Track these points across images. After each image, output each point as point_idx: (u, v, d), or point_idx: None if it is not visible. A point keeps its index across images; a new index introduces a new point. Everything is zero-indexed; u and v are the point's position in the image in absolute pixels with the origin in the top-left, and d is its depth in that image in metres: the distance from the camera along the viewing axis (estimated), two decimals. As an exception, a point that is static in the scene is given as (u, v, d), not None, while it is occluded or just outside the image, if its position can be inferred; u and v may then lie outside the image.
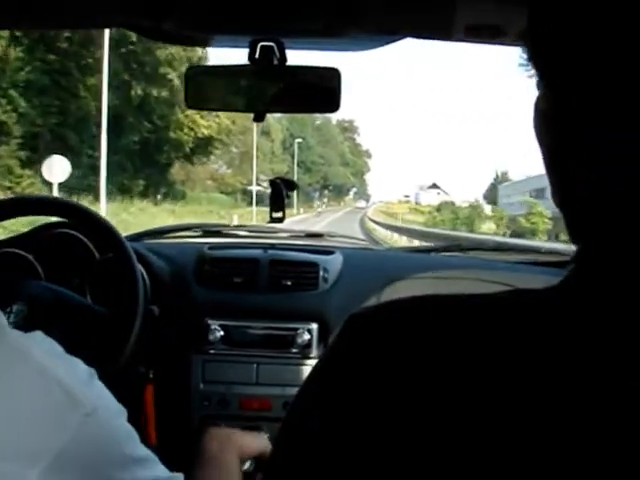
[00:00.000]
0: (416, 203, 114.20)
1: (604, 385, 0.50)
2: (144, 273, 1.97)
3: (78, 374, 0.79)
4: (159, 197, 39.75)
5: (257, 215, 43.58)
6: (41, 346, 0.78)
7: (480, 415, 0.51)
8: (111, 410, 0.81)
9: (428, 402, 0.53)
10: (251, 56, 1.53)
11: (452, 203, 77.98)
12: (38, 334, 0.79)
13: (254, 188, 50.85)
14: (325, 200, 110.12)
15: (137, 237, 2.53)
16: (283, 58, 1.54)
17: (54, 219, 2.01)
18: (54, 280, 1.88)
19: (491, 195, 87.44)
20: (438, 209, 70.77)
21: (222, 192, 60.11)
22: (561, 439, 0.49)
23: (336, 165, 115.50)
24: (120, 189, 32.02)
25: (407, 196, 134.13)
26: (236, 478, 1.23)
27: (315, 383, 0.62)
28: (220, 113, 38.20)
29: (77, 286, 1.90)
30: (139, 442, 0.83)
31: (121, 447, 0.80)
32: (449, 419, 0.52)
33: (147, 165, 38.59)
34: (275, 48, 1.52)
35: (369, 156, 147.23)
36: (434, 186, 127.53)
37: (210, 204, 45.98)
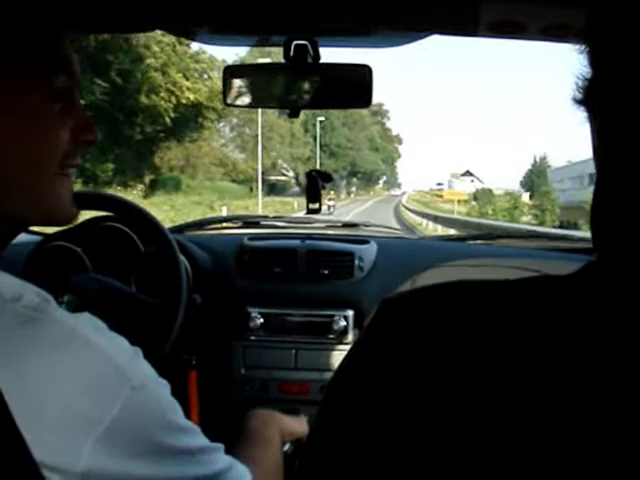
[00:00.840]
0: (449, 189, 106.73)
1: (622, 373, 0.51)
2: (187, 264, 2.02)
3: (124, 350, 0.82)
4: (141, 187, 31.00)
5: (265, 207, 37.62)
6: (88, 324, 0.81)
7: (509, 398, 0.53)
8: (156, 384, 0.84)
9: (456, 385, 0.55)
10: (286, 54, 1.58)
11: (489, 191, 72.87)
12: (85, 314, 0.82)
13: (259, 174, 44.57)
14: (353, 189, 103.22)
15: (180, 229, 2.59)
16: (317, 56, 1.58)
17: (101, 213, 2.06)
18: (101, 272, 1.92)
19: (529, 182, 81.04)
20: (475, 197, 67.61)
21: (234, 180, 52.13)
22: (588, 423, 0.51)
23: (364, 150, 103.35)
24: (83, 174, 25.63)
25: (440, 184, 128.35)
26: (278, 453, 1.29)
27: (349, 366, 0.65)
28: (214, 74, 31.43)
29: (123, 277, 1.94)
30: (182, 413, 0.86)
31: (167, 416, 0.83)
32: (477, 402, 0.54)
33: (114, 142, 28.74)
34: (309, 46, 1.56)
35: (400, 142, 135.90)
36: (468, 173, 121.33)
37: (215, 194, 37.15)
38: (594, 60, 0.55)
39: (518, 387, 0.53)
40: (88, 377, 0.76)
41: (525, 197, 64.18)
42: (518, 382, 0.53)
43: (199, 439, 0.88)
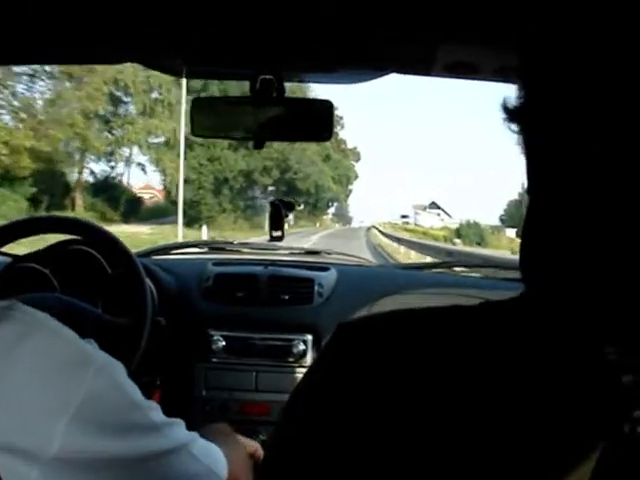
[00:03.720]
0: (415, 225, 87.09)
1: (544, 393, 0.54)
2: (152, 287, 2.03)
3: (84, 339, 0.83)
4: None
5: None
6: (52, 318, 0.83)
7: (454, 424, 0.54)
8: (116, 365, 0.85)
9: (403, 406, 0.56)
10: (252, 88, 1.61)
11: (476, 225, 61.55)
12: (44, 315, 0.83)
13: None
14: (290, 217, 46.26)
15: (146, 253, 2.60)
16: (281, 90, 1.62)
17: (69, 236, 2.07)
18: (69, 293, 1.93)
19: (514, 217, 67.88)
20: (459, 234, 56.00)
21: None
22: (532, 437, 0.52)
23: (312, 164, 61.75)
24: None
25: (405, 216, 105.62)
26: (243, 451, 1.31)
27: (305, 388, 0.65)
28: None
29: (91, 299, 1.94)
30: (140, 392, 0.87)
31: (130, 394, 0.83)
32: (425, 424, 0.55)
33: None
34: (274, 81, 1.60)
35: (357, 158, 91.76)
36: (434, 206, 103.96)
37: None
38: (526, 83, 0.58)
39: (466, 409, 0.55)
40: (56, 361, 0.77)
41: (510, 234, 58.84)
42: (466, 404, 0.55)
43: (160, 414, 0.88)
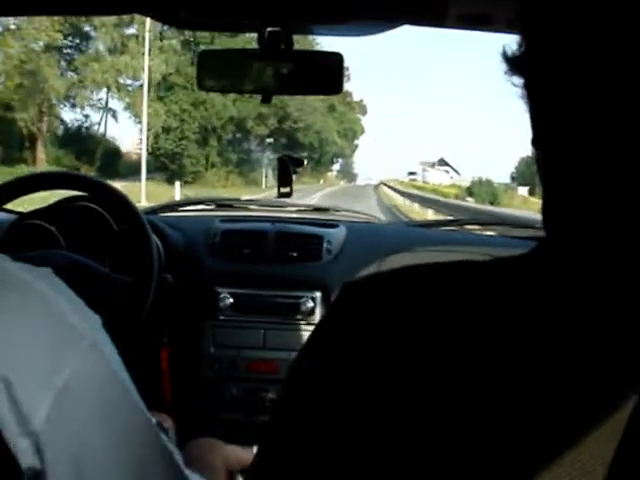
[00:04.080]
0: (423, 182, 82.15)
1: (575, 356, 0.52)
2: (159, 244, 2.02)
3: (80, 310, 0.81)
4: None
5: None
6: (46, 279, 0.80)
7: (462, 380, 0.53)
8: (110, 347, 0.83)
9: (412, 365, 0.56)
10: (260, 41, 1.57)
11: (488, 183, 56.67)
12: (44, 270, 0.81)
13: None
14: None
15: (153, 210, 2.58)
16: (289, 43, 1.58)
17: (75, 193, 2.05)
18: (75, 250, 1.92)
19: (526, 175, 63.97)
20: (471, 192, 52.47)
21: None
22: (541, 406, 0.51)
23: (314, 112, 56.40)
24: None
25: (413, 173, 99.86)
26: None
27: (310, 348, 0.65)
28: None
29: (97, 256, 1.94)
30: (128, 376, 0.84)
31: (122, 380, 0.82)
32: (429, 383, 0.54)
33: None
34: (283, 33, 1.56)
35: (363, 111, 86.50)
36: (442, 162, 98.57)
37: None
38: (527, 30, 0.56)
39: (475, 365, 0.54)
40: (47, 331, 0.74)
41: (523, 192, 57.13)
42: (475, 360, 0.54)
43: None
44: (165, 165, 40.94)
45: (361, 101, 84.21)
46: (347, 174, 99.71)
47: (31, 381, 0.72)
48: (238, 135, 50.79)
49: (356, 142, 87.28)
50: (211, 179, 42.97)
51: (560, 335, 0.53)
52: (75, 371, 0.74)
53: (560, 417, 0.51)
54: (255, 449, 1.30)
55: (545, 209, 0.58)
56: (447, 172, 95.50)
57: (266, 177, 51.27)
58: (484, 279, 0.60)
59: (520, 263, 0.60)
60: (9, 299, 0.74)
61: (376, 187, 60.48)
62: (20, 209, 2.12)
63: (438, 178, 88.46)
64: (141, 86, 36.47)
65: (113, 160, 41.23)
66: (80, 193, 2.04)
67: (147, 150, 35.99)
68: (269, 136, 53.08)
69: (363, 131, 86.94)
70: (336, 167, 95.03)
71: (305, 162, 2.26)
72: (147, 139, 35.96)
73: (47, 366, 0.73)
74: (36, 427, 0.71)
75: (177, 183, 26.84)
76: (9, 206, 2.06)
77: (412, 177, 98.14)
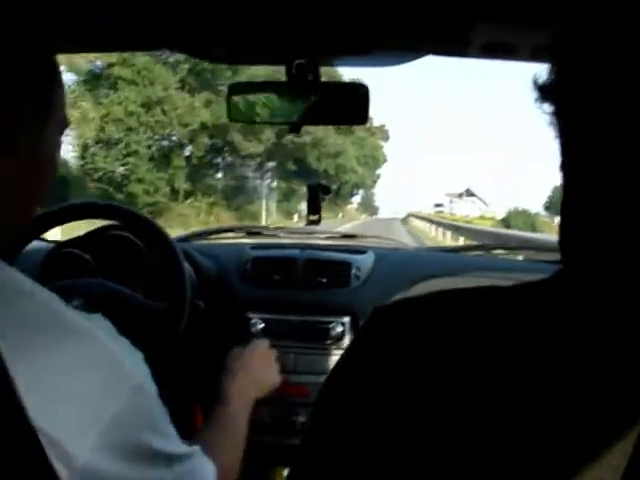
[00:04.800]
0: (450, 214, 76.08)
1: (591, 379, 0.53)
2: (191, 271, 2.05)
3: (128, 353, 0.85)
4: None
5: None
6: (100, 325, 0.84)
7: (487, 402, 0.55)
8: (152, 387, 0.87)
9: (439, 391, 0.57)
10: (288, 72, 1.61)
11: (525, 214, 55.24)
12: (97, 315, 0.86)
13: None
14: (301, 206, 45.25)
15: (186, 238, 2.62)
16: (317, 74, 1.61)
17: (109, 222, 2.09)
18: (110, 278, 1.95)
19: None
20: (507, 223, 48.78)
21: None
22: (557, 426, 0.53)
23: (331, 135, 47.98)
24: None
25: (439, 205, 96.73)
26: (244, 427, 1.46)
27: (340, 372, 0.67)
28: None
29: (131, 284, 1.96)
30: (167, 417, 0.90)
31: (159, 419, 0.87)
32: (458, 406, 0.56)
33: None
34: (310, 65, 1.59)
35: (385, 137, 75.59)
36: (469, 193, 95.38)
37: None
38: (558, 59, 0.57)
39: (499, 388, 0.55)
40: (96, 373, 0.78)
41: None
42: (499, 384, 0.55)
43: (177, 445, 0.91)
44: (107, 192, 28.13)
45: (383, 126, 74.24)
46: (368, 207, 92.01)
47: (74, 424, 0.76)
48: (227, 157, 38.67)
49: (378, 171, 78.52)
50: (184, 212, 31.28)
51: (575, 356, 0.54)
52: (119, 412, 0.78)
53: (578, 432, 0.52)
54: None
55: (562, 234, 0.60)
56: (474, 203, 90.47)
57: (267, 210, 40.28)
58: (506, 305, 0.61)
59: (540, 288, 0.61)
60: (67, 344, 0.78)
61: (404, 220, 56.24)
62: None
63: (466, 209, 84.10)
64: (82, 81, 28.69)
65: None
66: (113, 222, 2.08)
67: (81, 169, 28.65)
68: (269, 158, 40.95)
69: (385, 159, 77.26)
70: (356, 199, 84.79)
71: (331, 190, 2.28)
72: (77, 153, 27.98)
73: (92, 407, 0.77)
74: (79, 463, 0.75)
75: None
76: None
77: (438, 209, 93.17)
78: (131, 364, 0.83)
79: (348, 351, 0.68)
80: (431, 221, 36.86)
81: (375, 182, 78.91)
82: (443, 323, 0.61)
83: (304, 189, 2.28)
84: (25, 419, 0.72)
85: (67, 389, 0.76)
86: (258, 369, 1.65)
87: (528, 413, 0.54)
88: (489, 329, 0.59)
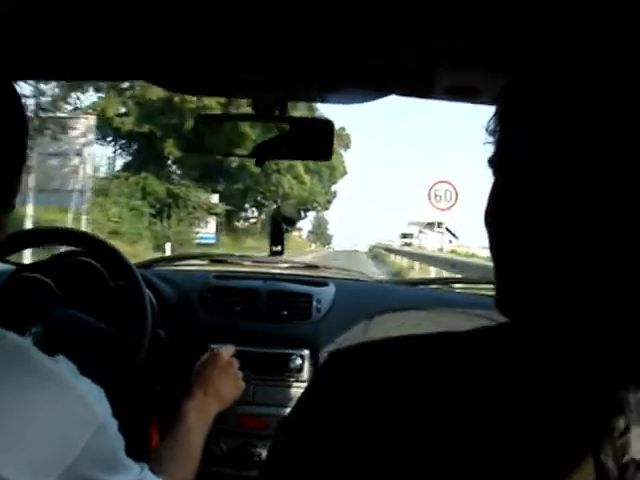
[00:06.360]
0: (419, 247, 47.32)
1: (527, 419, 0.55)
2: (152, 298, 2.04)
3: (92, 391, 0.86)
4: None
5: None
6: (64, 366, 0.85)
7: (437, 446, 0.56)
8: (113, 422, 0.88)
9: (391, 436, 0.58)
10: (255, 106, 1.62)
11: None
12: (61, 357, 0.86)
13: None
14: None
15: (148, 264, 2.60)
16: (284, 109, 1.63)
17: (72, 248, 2.08)
18: (72, 304, 1.94)
19: None
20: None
21: None
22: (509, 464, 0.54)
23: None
24: None
25: (407, 236, 65.45)
26: (199, 446, 1.48)
27: (299, 413, 0.68)
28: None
29: (93, 310, 1.95)
30: (124, 449, 0.92)
31: (117, 454, 0.88)
32: (410, 449, 0.57)
33: None
34: (277, 100, 1.61)
35: (345, 145, 52.81)
36: (438, 224, 52.39)
37: None
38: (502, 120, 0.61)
39: (449, 432, 0.56)
40: (62, 415, 0.79)
41: None
42: (449, 427, 0.56)
43: (134, 474, 0.93)
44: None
45: (343, 130, 49.44)
46: (320, 235, 73.65)
47: (39, 466, 0.76)
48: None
49: (334, 187, 55.65)
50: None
51: (524, 395, 0.56)
52: (83, 451, 0.78)
53: (531, 466, 0.54)
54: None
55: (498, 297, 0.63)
56: (442, 234, 75.57)
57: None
58: (458, 351, 0.62)
59: (495, 335, 0.63)
60: (33, 381, 0.78)
61: (370, 254, 46.34)
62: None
63: (438, 242, 66.70)
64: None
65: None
66: (76, 248, 2.07)
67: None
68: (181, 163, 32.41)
69: (345, 171, 55.12)
70: (305, 224, 64.85)
71: (297, 221, 2.29)
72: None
73: (59, 447, 0.77)
74: None
75: None
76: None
77: (406, 240, 63.89)
78: (95, 402, 0.83)
79: (306, 394, 0.69)
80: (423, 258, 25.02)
81: (330, 202, 55.72)
82: (396, 370, 0.62)
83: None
84: None
85: (32, 432, 0.76)
86: (218, 383, 1.67)
87: (481, 456, 0.55)
88: (441, 375, 0.60)
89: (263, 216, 41.66)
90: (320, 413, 0.64)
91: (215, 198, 33.88)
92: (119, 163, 35.33)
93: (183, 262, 2.83)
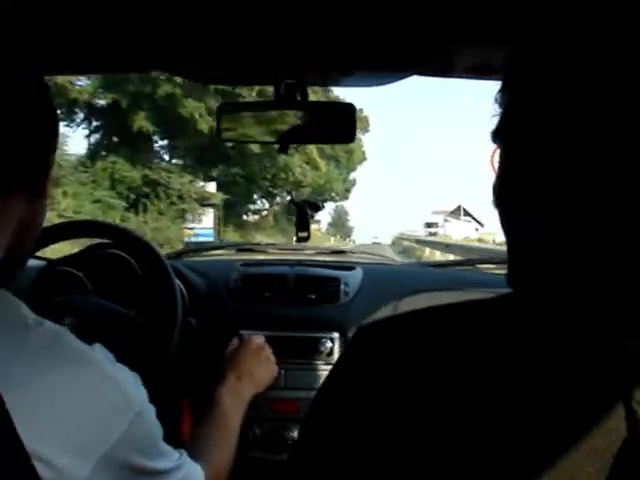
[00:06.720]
0: (445, 237, 53.89)
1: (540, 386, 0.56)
2: (182, 288, 2.05)
3: (129, 378, 0.87)
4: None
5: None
6: (102, 354, 0.86)
7: (469, 413, 0.57)
8: (150, 409, 0.89)
9: (422, 404, 0.59)
10: (276, 93, 1.63)
11: None
12: (98, 345, 0.88)
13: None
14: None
15: (177, 255, 2.63)
16: (304, 94, 1.63)
17: (102, 240, 2.10)
18: (102, 295, 1.96)
19: None
20: None
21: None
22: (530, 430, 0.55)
23: None
24: None
25: (431, 225, 72.25)
26: (236, 430, 1.49)
27: (328, 389, 0.69)
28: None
29: (123, 301, 1.97)
30: (162, 436, 0.93)
31: (156, 441, 0.90)
32: (441, 418, 0.57)
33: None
34: (297, 85, 1.61)
35: (364, 128, 41.58)
36: (463, 211, 70.96)
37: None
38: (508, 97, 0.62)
39: (480, 397, 0.57)
40: (100, 400, 0.80)
41: None
42: (479, 393, 0.57)
43: (173, 460, 0.95)
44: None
45: (361, 112, 39.55)
46: (341, 228, 67.56)
47: (79, 449, 0.77)
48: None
49: (352, 175, 49.01)
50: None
51: (541, 362, 0.57)
52: (121, 437, 0.80)
53: (549, 428, 0.55)
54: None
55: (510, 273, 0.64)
56: (469, 223, 68.68)
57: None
58: (478, 318, 0.63)
59: (509, 302, 0.64)
60: (72, 372, 0.80)
61: (397, 247, 41.00)
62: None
63: (464, 231, 62.12)
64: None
65: None
66: (106, 240, 2.09)
67: None
68: (161, 136, 28.81)
69: (364, 157, 48.47)
70: (323, 216, 59.63)
71: (322, 208, 2.30)
72: None
73: (97, 432, 0.79)
74: None
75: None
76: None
77: (431, 230, 70.63)
78: (132, 389, 0.85)
79: (335, 369, 0.69)
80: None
81: (349, 190, 49.33)
82: (424, 339, 0.63)
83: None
84: (20, 446, 0.73)
85: (69, 414, 0.78)
86: (251, 367, 1.69)
87: (508, 417, 0.56)
88: (465, 342, 0.61)
89: (276, 207, 36.97)
90: (349, 386, 0.64)
91: (212, 187, 27.94)
92: (77, 143, 26.81)
93: (210, 252, 2.85)
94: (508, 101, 0.61)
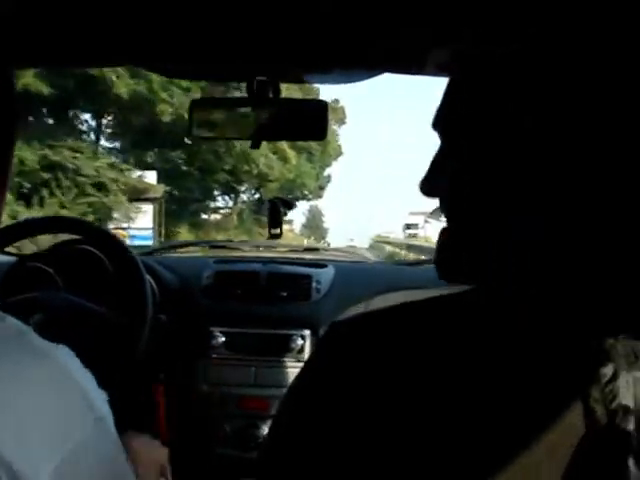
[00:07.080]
0: (425, 240, 39.20)
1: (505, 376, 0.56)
2: (153, 284, 2.04)
3: (92, 383, 0.85)
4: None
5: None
6: (65, 353, 0.84)
7: (444, 407, 0.56)
8: (111, 418, 0.86)
9: (392, 401, 0.58)
10: (249, 89, 1.62)
11: None
12: (62, 346, 0.86)
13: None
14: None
15: (149, 252, 2.61)
16: (277, 91, 1.63)
17: (72, 236, 2.08)
18: (73, 291, 1.95)
19: None
20: None
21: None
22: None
23: None
24: None
25: (411, 226, 63.45)
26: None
27: (299, 387, 0.68)
28: None
29: (94, 297, 1.96)
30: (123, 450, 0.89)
31: (114, 452, 0.86)
32: (411, 415, 0.57)
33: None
34: (270, 82, 1.61)
35: (340, 120, 38.43)
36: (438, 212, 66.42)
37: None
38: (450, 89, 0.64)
39: (449, 393, 0.57)
40: (59, 404, 0.77)
41: None
42: (448, 388, 0.57)
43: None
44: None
45: (337, 102, 38.61)
46: (315, 230, 62.47)
47: (36, 450, 0.74)
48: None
49: (327, 171, 42.56)
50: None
51: (514, 348, 0.57)
52: (80, 442, 0.77)
53: (510, 421, 0.55)
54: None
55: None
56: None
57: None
58: (456, 313, 0.63)
59: (470, 298, 0.65)
60: (32, 365, 0.78)
61: (376, 252, 27.70)
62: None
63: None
64: None
65: None
66: (76, 236, 2.07)
67: None
68: (99, 117, 23.70)
69: (340, 151, 42.26)
70: (296, 215, 53.92)
71: (294, 205, 2.30)
72: None
73: (55, 434, 0.76)
74: None
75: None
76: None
77: (411, 231, 64.05)
78: (95, 395, 0.83)
79: (308, 366, 0.69)
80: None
81: (323, 188, 43.44)
82: (400, 335, 0.63)
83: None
84: None
85: (33, 414, 0.76)
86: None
87: (476, 411, 0.56)
88: (442, 338, 0.61)
89: (241, 205, 32.01)
90: (324, 384, 0.64)
91: (152, 177, 22.14)
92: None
93: (184, 249, 2.84)
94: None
